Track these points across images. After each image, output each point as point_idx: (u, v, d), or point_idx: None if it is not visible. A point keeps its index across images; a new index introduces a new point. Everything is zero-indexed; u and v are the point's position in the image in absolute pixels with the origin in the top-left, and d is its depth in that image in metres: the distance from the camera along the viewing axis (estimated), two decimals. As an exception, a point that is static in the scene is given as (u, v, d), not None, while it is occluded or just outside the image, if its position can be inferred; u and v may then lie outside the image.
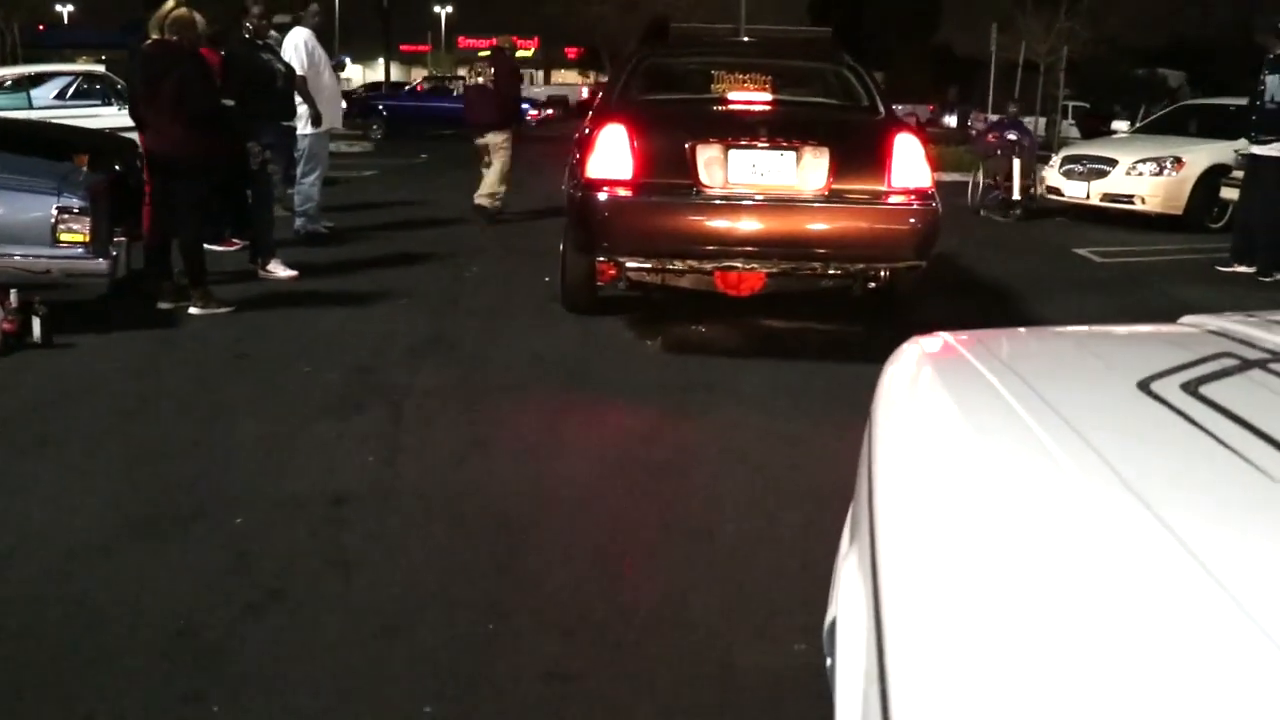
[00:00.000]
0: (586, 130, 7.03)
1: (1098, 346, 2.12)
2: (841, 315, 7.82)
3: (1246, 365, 1.69)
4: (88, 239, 6.75)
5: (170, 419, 5.29)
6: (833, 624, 1.68)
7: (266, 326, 7.20)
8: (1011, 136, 15.51)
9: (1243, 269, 10.61)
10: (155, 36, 7.44)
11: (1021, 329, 2.44)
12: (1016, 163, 15.08)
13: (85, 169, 8.30)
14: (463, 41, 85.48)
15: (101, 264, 6.84)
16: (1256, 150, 10.55)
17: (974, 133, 20.26)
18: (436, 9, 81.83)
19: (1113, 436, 1.40)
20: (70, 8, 61.11)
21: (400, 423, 5.28)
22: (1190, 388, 1.57)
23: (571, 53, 75.66)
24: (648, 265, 6.94)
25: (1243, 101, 12.30)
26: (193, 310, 7.45)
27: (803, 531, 4.02)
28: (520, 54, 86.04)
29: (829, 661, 1.67)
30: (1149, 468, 1.29)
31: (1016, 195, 15.03)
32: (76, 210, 6.72)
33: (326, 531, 4.01)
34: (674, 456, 4.95)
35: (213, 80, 7.85)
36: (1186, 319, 2.14)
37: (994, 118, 19.39)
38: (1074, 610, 1.01)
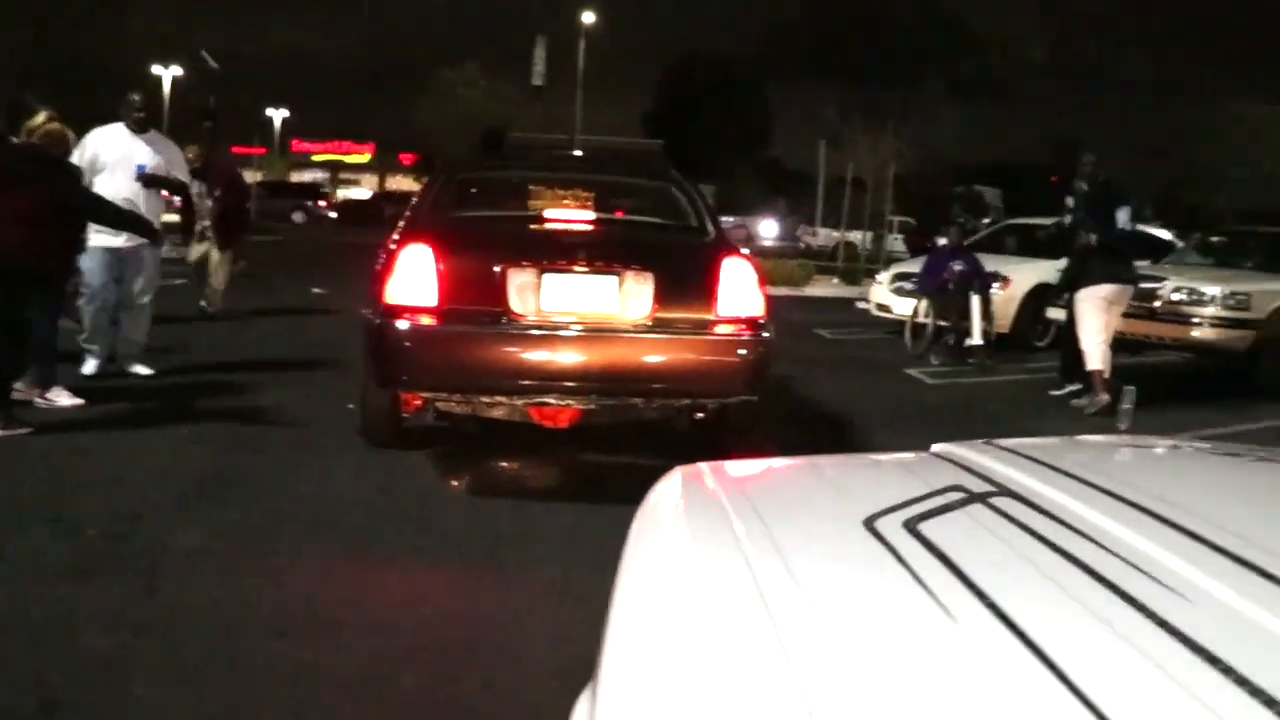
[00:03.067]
0: (388, 250, 6.42)
1: (844, 480, 2.10)
2: (669, 448, 7.28)
3: (969, 499, 1.75)
4: None
5: None
6: None
7: (27, 463, 6.32)
8: (959, 268, 13.13)
9: (1072, 388, 10.48)
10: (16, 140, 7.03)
11: (778, 460, 2.43)
12: (975, 300, 12.84)
13: None
14: (296, 145, 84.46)
15: None
16: None
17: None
18: (270, 111, 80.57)
19: (821, 576, 1.46)
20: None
21: (152, 593, 4.50)
22: (911, 525, 1.62)
23: (406, 159, 75.14)
24: (455, 397, 6.34)
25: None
26: None
27: None
28: (355, 159, 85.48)
29: None
30: (839, 607, 1.35)
31: (977, 339, 12.76)
32: None
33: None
34: (465, 635, 4.28)
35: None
36: (936, 447, 2.17)
37: (941, 242, 15.58)
38: None
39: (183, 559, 4.90)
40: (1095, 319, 9.84)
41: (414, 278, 5.99)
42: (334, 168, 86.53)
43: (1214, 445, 2.69)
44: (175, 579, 4.66)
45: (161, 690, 3.64)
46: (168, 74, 59.53)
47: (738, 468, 2.22)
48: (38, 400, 7.66)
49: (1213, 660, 1.10)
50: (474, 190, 7.65)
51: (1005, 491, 1.78)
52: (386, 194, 62.34)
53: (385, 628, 4.28)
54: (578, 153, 9.59)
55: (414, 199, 7.47)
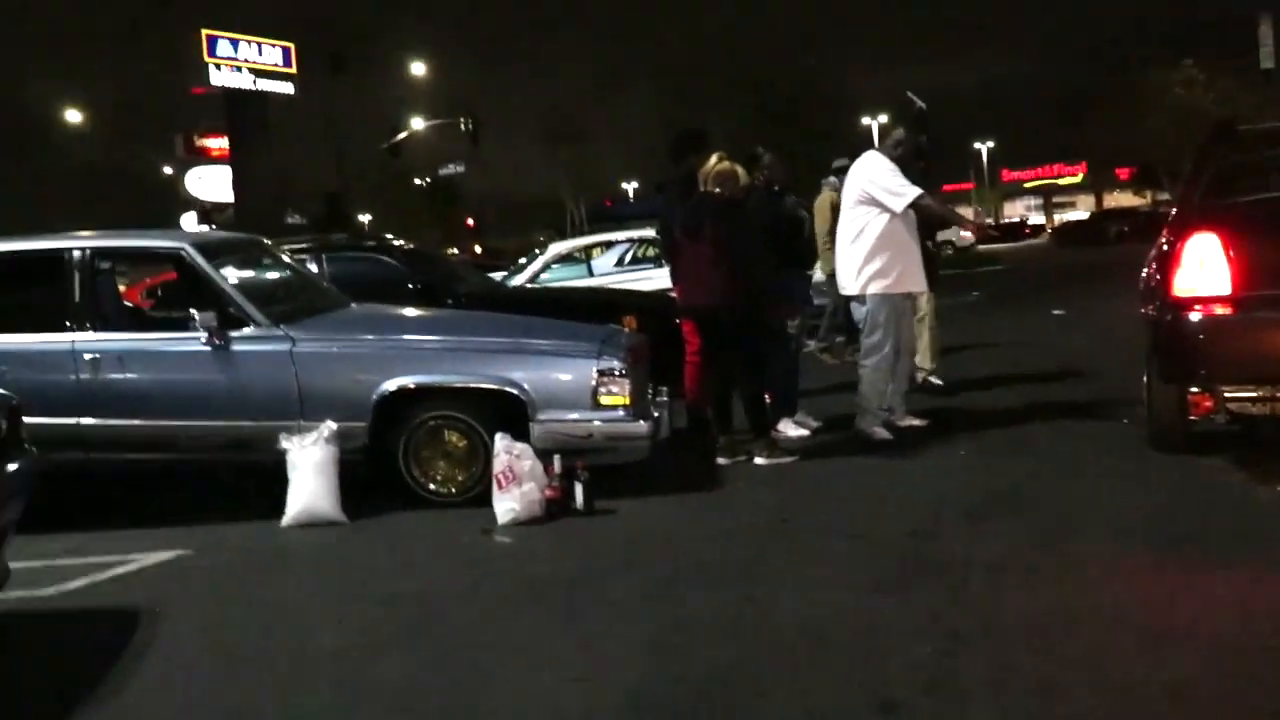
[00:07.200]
0: (1168, 243, 6.07)
1: None
2: None
3: None
4: (628, 401, 6.59)
5: (702, 595, 4.81)
6: None
7: (814, 486, 6.71)
8: None
9: None
10: (702, 190, 7.47)
11: None
12: None
13: (631, 330, 8.29)
14: (1006, 174, 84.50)
15: (642, 426, 6.65)
16: None
17: None
18: (976, 144, 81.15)
19: None
20: (635, 184, 66.41)
21: (959, 603, 4.46)
22: None
23: (1122, 173, 72.13)
24: (1253, 395, 5.85)
25: None
26: (758, 460, 7.16)
27: None
28: (1067, 180, 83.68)
29: None
30: None
31: None
32: (616, 373, 6.59)
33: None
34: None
35: (754, 229, 7.59)
36: None
37: None
38: None
39: (983, 569, 4.83)
40: None
41: (1203, 266, 5.71)
42: (1046, 192, 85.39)
43: None
44: (979, 588, 4.61)
45: (978, 702, 3.55)
46: (875, 122, 61.95)
47: None
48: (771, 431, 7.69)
49: None
50: (1244, 175, 7.08)
51: None
52: (1106, 212, 60.33)
53: (1218, 638, 3.89)
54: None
55: (1180, 189, 7.01)
